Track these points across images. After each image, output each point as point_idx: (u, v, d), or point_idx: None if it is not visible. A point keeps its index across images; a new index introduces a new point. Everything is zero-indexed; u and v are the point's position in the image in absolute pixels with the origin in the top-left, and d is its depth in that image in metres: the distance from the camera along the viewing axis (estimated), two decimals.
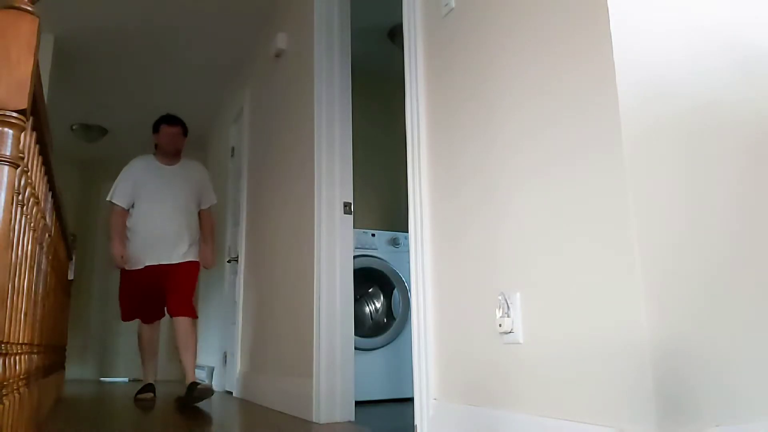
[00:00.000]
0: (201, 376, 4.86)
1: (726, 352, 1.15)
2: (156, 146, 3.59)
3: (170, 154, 3.53)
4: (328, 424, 2.33)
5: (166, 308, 3.39)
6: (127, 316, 3.51)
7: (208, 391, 3.04)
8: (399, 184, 4.16)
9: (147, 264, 3.39)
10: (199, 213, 3.62)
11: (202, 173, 3.69)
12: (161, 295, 3.40)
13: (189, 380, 3.19)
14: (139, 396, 3.46)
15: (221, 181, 4.79)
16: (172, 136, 3.52)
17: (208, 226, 3.66)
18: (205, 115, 5.22)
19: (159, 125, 3.56)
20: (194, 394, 3.05)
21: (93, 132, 5.44)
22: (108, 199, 3.48)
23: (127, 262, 3.40)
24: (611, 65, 1.19)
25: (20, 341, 1.59)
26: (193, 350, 3.26)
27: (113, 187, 3.49)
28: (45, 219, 1.95)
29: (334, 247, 2.55)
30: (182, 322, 3.26)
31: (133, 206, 3.46)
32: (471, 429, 1.49)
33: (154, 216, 3.41)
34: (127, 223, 3.45)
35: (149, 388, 3.51)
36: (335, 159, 2.64)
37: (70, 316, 5.03)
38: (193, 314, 3.31)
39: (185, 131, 3.61)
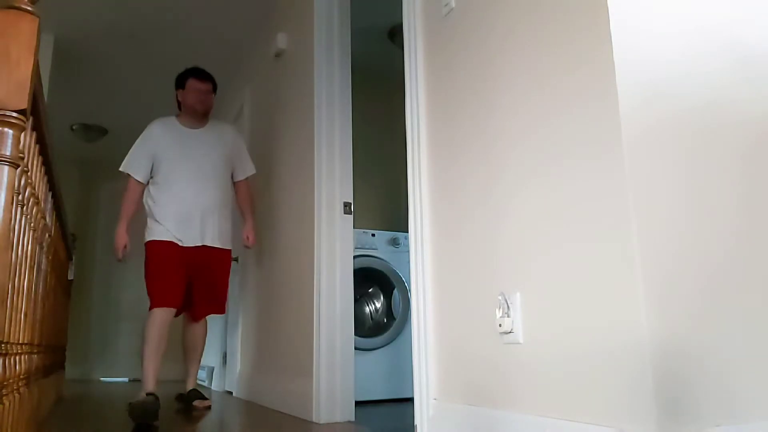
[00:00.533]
0: (201, 376, 4.86)
1: (726, 352, 1.15)
2: (179, 105, 3.06)
3: (199, 115, 3.00)
4: (328, 424, 2.33)
5: (191, 309, 2.97)
6: (155, 298, 2.75)
7: (206, 410, 2.89)
8: (399, 184, 4.16)
9: (169, 238, 2.84)
10: (234, 185, 3.14)
11: (236, 137, 3.16)
12: (184, 273, 2.85)
13: (190, 386, 3.06)
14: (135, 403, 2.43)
15: None
16: (202, 94, 2.99)
17: (247, 199, 3.17)
18: None
19: (185, 79, 3.02)
20: (192, 405, 2.96)
21: (93, 132, 5.44)
22: (123, 169, 2.90)
23: (126, 258, 2.91)
24: (611, 65, 1.19)
25: (20, 341, 1.59)
26: (201, 356, 3.10)
27: (129, 156, 2.92)
28: (45, 219, 1.95)
29: (334, 247, 2.55)
30: (201, 326, 3.04)
31: (152, 179, 2.91)
32: (471, 429, 1.49)
33: (182, 190, 2.85)
34: (148, 199, 2.89)
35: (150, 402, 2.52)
36: (335, 159, 2.64)
37: (70, 316, 5.03)
38: (223, 310, 3.06)
39: (215, 89, 3.09)
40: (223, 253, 3.01)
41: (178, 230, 2.84)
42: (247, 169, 3.18)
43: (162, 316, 2.74)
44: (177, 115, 3.04)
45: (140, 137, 2.96)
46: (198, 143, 2.97)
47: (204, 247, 2.92)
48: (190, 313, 3.02)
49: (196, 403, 2.95)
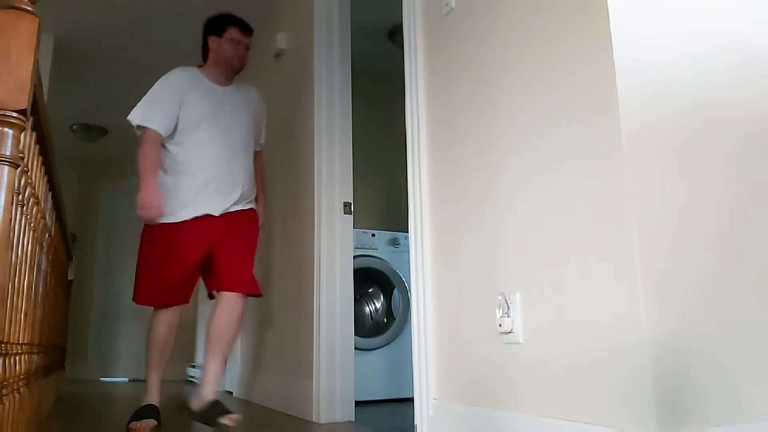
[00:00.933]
0: (200, 376, 4.85)
1: (726, 352, 1.15)
2: (205, 55, 2.54)
3: (233, 71, 2.53)
4: (328, 424, 2.33)
5: (214, 281, 2.38)
6: (144, 295, 2.33)
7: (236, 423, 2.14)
8: (399, 184, 4.16)
9: (192, 216, 2.32)
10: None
11: (261, 103, 2.70)
12: (200, 263, 2.35)
13: (210, 395, 2.23)
14: (135, 425, 2.16)
15: None
16: (242, 48, 2.52)
17: (262, 172, 2.68)
18: None
19: (225, 26, 2.49)
20: (216, 422, 2.12)
21: (93, 132, 5.45)
22: (134, 119, 2.36)
23: (162, 215, 2.28)
24: (611, 65, 1.19)
25: (20, 341, 1.59)
26: (228, 350, 2.38)
27: (143, 104, 2.37)
28: (45, 219, 1.95)
29: (334, 247, 2.55)
30: (236, 304, 2.31)
31: (170, 138, 2.37)
32: (471, 429, 1.49)
33: (212, 153, 2.36)
34: (166, 159, 2.37)
35: (150, 412, 2.25)
36: (335, 159, 2.64)
37: (70, 316, 5.03)
38: (257, 289, 2.38)
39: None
40: (253, 215, 2.51)
41: (199, 201, 2.34)
42: (262, 139, 2.72)
43: (169, 318, 2.35)
44: (200, 67, 2.53)
45: (159, 84, 2.41)
46: (227, 102, 2.48)
47: (230, 213, 2.41)
48: (219, 283, 2.35)
49: (225, 420, 2.10)
